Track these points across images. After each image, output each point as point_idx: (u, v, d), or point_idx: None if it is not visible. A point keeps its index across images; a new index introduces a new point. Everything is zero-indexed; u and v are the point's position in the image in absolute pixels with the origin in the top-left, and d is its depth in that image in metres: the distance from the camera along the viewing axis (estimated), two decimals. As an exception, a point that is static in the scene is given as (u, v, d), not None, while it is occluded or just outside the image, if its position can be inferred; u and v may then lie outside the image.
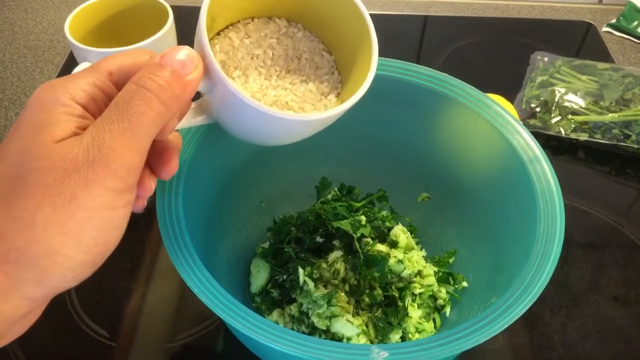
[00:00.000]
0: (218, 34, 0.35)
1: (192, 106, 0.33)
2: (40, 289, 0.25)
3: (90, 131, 0.25)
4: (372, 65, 0.34)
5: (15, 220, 0.24)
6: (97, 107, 0.28)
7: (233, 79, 0.34)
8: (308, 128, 0.34)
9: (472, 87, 0.44)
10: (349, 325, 0.42)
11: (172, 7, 0.63)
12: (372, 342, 0.43)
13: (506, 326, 0.32)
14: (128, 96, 0.26)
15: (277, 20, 0.37)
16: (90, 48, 0.58)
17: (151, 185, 0.31)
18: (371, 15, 0.33)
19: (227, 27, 0.35)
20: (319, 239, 0.48)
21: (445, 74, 0.45)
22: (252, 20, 0.36)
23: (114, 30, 0.65)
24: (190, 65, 0.28)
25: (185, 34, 0.74)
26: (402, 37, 0.82)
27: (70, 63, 0.74)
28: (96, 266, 0.27)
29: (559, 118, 0.66)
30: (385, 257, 0.45)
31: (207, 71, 0.30)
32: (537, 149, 0.40)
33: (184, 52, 0.28)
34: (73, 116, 0.26)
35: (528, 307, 0.33)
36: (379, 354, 0.30)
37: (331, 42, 0.37)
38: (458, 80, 0.44)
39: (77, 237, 0.25)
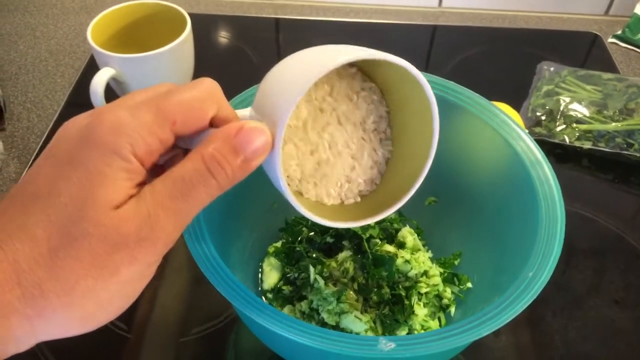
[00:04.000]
0: None
1: None
2: (55, 337, 0.26)
3: (147, 202, 0.26)
4: (420, 174, 0.34)
5: (58, 282, 0.25)
6: (151, 158, 0.28)
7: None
8: None
9: (478, 95, 0.46)
10: (357, 321, 0.44)
11: (190, 15, 0.66)
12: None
13: (507, 321, 0.33)
14: (195, 179, 0.26)
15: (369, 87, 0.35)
16: (111, 54, 0.61)
17: None
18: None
19: None
20: (329, 239, 0.50)
21: (452, 82, 0.47)
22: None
23: (133, 37, 0.67)
24: (261, 155, 0.28)
25: (203, 42, 0.77)
26: (411, 46, 0.83)
27: (90, 67, 0.76)
28: (104, 323, 0.28)
29: (563, 126, 0.67)
30: (392, 257, 0.47)
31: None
32: (539, 153, 0.42)
33: (261, 139, 0.28)
34: (129, 173, 0.26)
35: (528, 304, 0.34)
36: (387, 344, 0.32)
37: (395, 114, 0.37)
38: (464, 88, 0.46)
39: (107, 305, 0.26)
